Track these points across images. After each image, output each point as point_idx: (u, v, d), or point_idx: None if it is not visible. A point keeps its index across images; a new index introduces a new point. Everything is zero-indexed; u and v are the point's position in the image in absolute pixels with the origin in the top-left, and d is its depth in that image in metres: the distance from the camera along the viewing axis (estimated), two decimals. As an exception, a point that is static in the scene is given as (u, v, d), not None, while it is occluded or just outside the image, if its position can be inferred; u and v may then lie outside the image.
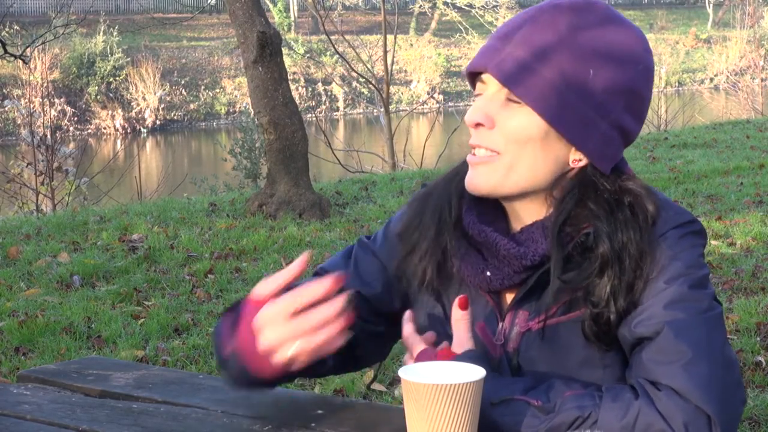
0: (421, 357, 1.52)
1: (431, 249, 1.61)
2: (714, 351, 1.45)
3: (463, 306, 1.51)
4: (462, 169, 1.64)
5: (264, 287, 1.50)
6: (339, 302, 1.44)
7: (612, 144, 1.54)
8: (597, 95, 1.51)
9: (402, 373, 1.39)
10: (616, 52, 1.53)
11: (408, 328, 1.57)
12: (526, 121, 1.52)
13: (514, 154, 1.53)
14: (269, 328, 1.46)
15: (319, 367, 1.57)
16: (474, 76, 1.59)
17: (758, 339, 4.73)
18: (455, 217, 1.60)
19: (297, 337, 1.45)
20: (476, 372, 1.39)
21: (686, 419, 1.39)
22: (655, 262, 1.50)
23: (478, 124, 1.55)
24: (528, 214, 1.57)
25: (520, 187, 1.54)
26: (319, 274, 1.73)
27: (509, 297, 1.58)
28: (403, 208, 1.72)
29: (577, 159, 1.54)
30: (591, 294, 1.49)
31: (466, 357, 1.48)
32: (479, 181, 1.56)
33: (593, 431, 1.42)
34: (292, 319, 1.45)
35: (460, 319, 1.52)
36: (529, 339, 1.55)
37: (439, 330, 1.63)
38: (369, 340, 1.71)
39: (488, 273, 1.55)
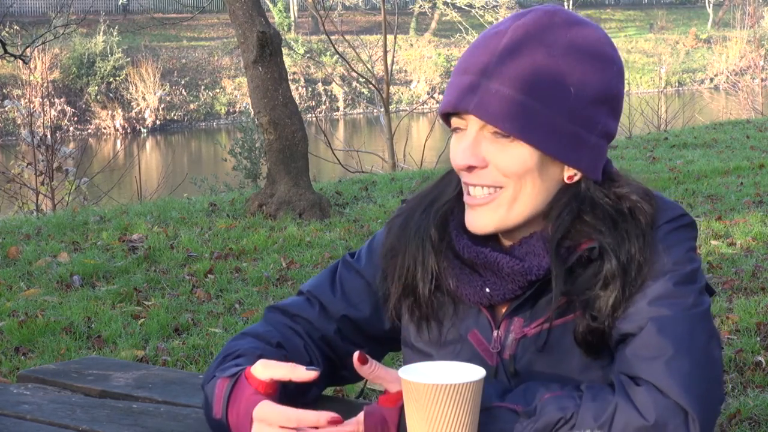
0: (369, 418, 1.44)
1: (421, 279, 1.59)
2: (696, 348, 1.44)
3: (363, 361, 1.44)
4: (437, 195, 1.62)
5: (264, 371, 1.49)
6: None
7: (601, 152, 1.54)
8: (582, 111, 1.49)
9: (402, 373, 1.39)
10: (591, 61, 1.50)
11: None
12: (519, 154, 1.49)
13: (515, 186, 1.50)
14: (266, 427, 1.45)
15: (302, 398, 1.59)
16: (447, 113, 1.54)
17: (758, 339, 4.73)
18: (440, 243, 1.57)
19: None
20: (476, 372, 1.39)
21: (664, 415, 1.39)
22: (645, 260, 1.49)
23: (470, 167, 1.51)
24: (523, 229, 1.56)
25: (524, 216, 1.52)
26: (302, 293, 1.73)
27: (502, 306, 1.57)
28: (385, 226, 1.70)
29: (571, 175, 1.53)
30: (591, 307, 1.48)
31: None
32: (483, 222, 1.53)
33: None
34: (285, 430, 1.43)
35: (371, 371, 1.45)
36: (525, 345, 1.54)
37: (424, 349, 1.63)
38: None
39: (488, 290, 1.54)
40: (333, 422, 1.42)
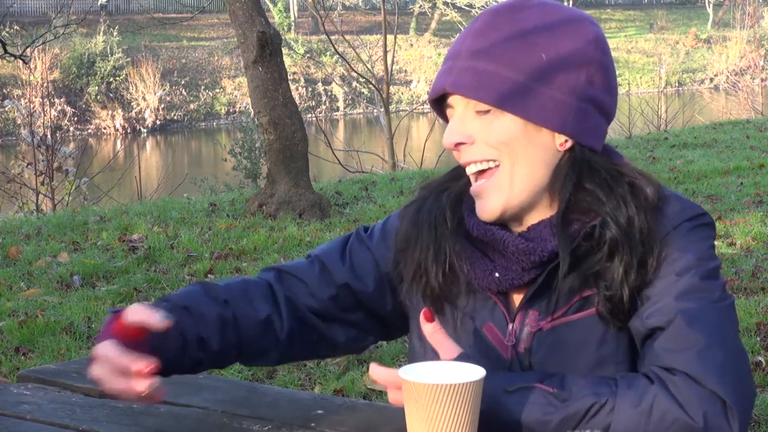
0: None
1: (434, 261, 1.60)
2: (727, 339, 1.45)
3: (429, 319, 1.52)
4: (451, 183, 1.65)
5: (131, 314, 1.52)
6: (143, 387, 1.47)
7: (589, 118, 1.55)
8: (557, 74, 1.52)
9: (402, 373, 1.39)
10: (561, 32, 1.54)
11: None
12: (502, 125, 1.53)
13: (509, 157, 1.53)
14: (98, 365, 1.51)
15: (261, 358, 1.67)
16: (441, 108, 1.60)
17: (758, 339, 4.73)
18: (453, 226, 1.60)
19: (108, 384, 1.50)
20: (476, 372, 1.39)
21: (703, 405, 1.39)
22: (666, 253, 1.50)
23: (458, 144, 1.56)
24: (532, 217, 1.57)
25: (528, 191, 1.54)
26: (309, 257, 1.75)
27: (517, 298, 1.58)
28: (399, 212, 1.72)
29: (562, 142, 1.55)
30: (602, 278, 1.50)
31: (462, 359, 1.48)
32: (490, 205, 1.55)
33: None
34: (111, 370, 1.49)
35: (433, 332, 1.52)
36: (540, 339, 1.54)
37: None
38: (345, 329, 1.72)
39: (497, 274, 1.55)
40: (150, 367, 1.47)
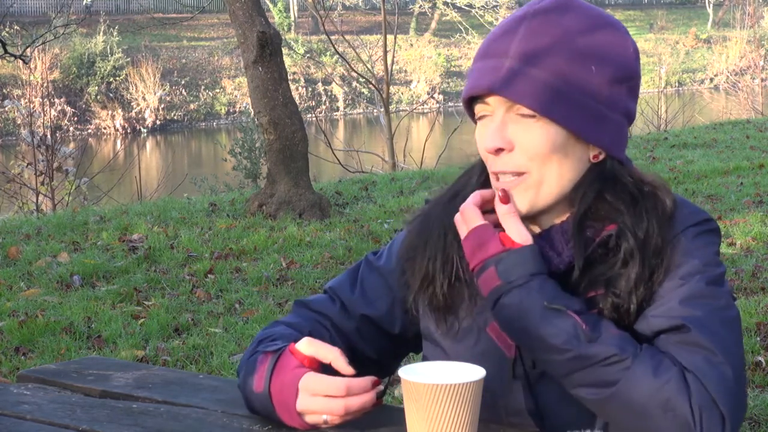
0: (480, 231, 1.51)
1: (441, 270, 1.60)
2: (732, 354, 1.46)
3: (505, 200, 1.52)
4: (461, 189, 1.64)
5: (308, 347, 1.55)
6: (372, 397, 1.50)
7: (623, 131, 1.57)
8: (603, 89, 1.52)
9: (402, 373, 1.39)
10: (608, 45, 1.54)
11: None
12: (543, 133, 1.51)
13: (540, 169, 1.52)
14: (311, 397, 1.51)
15: None
16: (471, 100, 1.57)
17: (758, 339, 4.73)
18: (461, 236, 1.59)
19: (331, 414, 1.51)
20: (476, 372, 1.39)
21: (705, 408, 1.40)
22: (672, 259, 1.50)
23: (498, 150, 1.53)
24: (546, 218, 1.57)
25: (554, 196, 1.54)
26: (326, 291, 1.76)
27: None
28: (405, 229, 1.72)
29: (596, 154, 1.55)
30: (613, 285, 1.50)
31: (528, 250, 1.49)
32: (515, 204, 1.54)
33: None
34: (332, 398, 1.50)
35: (507, 213, 1.52)
36: None
37: (443, 341, 1.63)
38: (373, 361, 1.73)
39: None
40: (376, 384, 1.50)
